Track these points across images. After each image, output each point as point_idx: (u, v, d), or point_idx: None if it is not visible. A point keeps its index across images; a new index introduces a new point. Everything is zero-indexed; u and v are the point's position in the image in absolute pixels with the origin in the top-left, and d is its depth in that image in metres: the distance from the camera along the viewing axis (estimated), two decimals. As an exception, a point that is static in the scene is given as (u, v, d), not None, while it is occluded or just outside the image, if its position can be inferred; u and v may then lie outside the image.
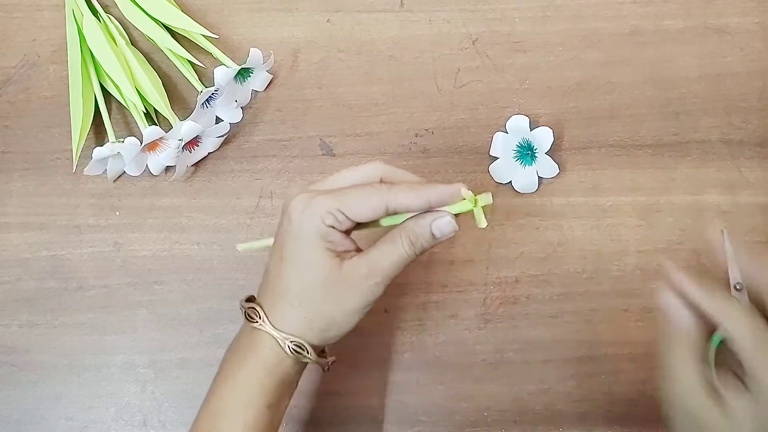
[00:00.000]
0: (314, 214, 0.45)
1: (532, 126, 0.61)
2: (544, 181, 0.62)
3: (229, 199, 0.63)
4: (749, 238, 0.61)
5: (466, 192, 0.45)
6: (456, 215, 0.46)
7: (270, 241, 0.50)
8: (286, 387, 0.48)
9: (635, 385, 0.59)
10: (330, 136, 0.64)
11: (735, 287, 0.60)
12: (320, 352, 0.49)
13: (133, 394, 0.60)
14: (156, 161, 0.61)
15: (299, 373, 0.49)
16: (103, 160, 0.60)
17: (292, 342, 0.46)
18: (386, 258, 0.46)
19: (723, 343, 0.49)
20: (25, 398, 0.60)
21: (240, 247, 0.53)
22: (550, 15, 0.66)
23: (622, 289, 0.61)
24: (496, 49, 0.65)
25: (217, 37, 0.62)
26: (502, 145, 0.62)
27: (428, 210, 0.46)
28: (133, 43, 0.65)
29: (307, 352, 0.47)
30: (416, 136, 0.64)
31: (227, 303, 0.61)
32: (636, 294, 0.61)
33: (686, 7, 0.66)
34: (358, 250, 0.47)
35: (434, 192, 0.45)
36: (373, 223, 0.47)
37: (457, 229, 0.46)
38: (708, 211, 0.62)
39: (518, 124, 0.61)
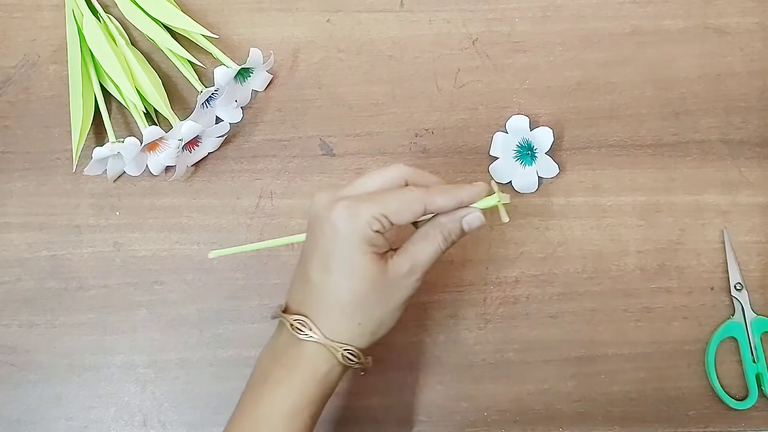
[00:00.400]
0: (362, 221, 0.46)
1: (532, 126, 0.61)
2: (544, 181, 0.62)
3: (229, 199, 0.63)
4: (749, 238, 0.61)
5: (494, 185, 0.50)
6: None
7: (243, 248, 0.55)
8: (329, 395, 0.49)
9: (635, 385, 0.60)
10: (330, 136, 0.64)
11: (735, 287, 0.61)
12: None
13: (133, 394, 0.60)
14: (156, 161, 0.61)
15: (340, 379, 0.49)
16: (103, 160, 0.60)
17: (345, 350, 0.47)
18: (423, 253, 0.48)
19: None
20: (25, 398, 0.60)
21: (212, 254, 0.54)
22: (550, 15, 0.66)
23: (622, 289, 0.61)
24: (496, 49, 0.65)
25: (217, 37, 0.62)
26: (502, 145, 0.62)
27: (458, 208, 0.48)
28: (133, 43, 0.65)
29: (360, 358, 0.48)
30: (416, 136, 0.64)
31: (227, 303, 0.61)
32: (636, 294, 0.61)
33: (686, 7, 0.66)
34: (392, 247, 0.49)
35: (465, 192, 0.48)
36: None
37: (484, 222, 0.49)
38: (708, 211, 0.62)
39: (518, 124, 0.61)
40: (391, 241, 0.48)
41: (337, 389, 0.59)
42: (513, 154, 0.62)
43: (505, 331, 0.60)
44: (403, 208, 0.46)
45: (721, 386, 0.59)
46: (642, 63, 0.65)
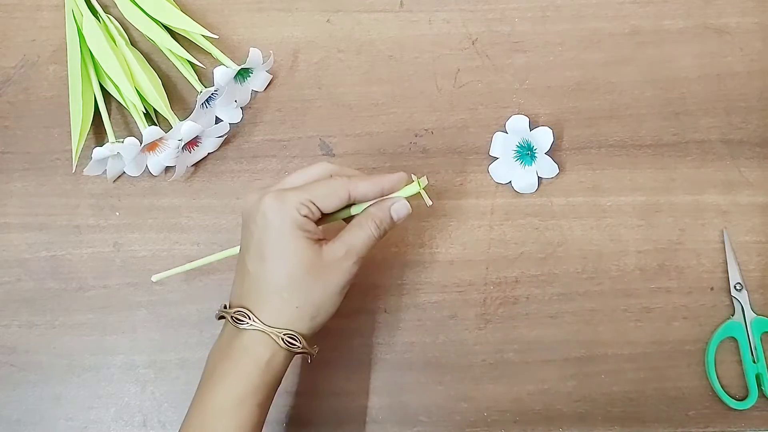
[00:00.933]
0: (290, 207, 0.48)
1: (532, 126, 0.61)
2: (544, 181, 0.62)
3: (229, 199, 0.63)
4: (749, 238, 0.61)
5: (413, 177, 0.52)
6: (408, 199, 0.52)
7: (184, 267, 0.57)
8: (275, 383, 0.50)
9: (635, 385, 0.59)
10: (330, 136, 0.64)
11: (735, 287, 0.61)
12: (311, 342, 0.51)
13: (133, 394, 0.60)
14: (156, 161, 0.61)
15: (286, 366, 0.50)
16: (103, 160, 0.60)
17: (285, 335, 0.48)
18: (358, 239, 0.50)
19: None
20: (24, 398, 0.60)
21: (155, 278, 0.58)
22: (549, 15, 0.66)
23: (622, 289, 0.61)
24: (495, 49, 0.65)
25: (217, 37, 0.62)
26: (502, 146, 0.62)
27: (382, 197, 0.52)
28: (133, 43, 0.65)
29: (300, 343, 0.49)
30: (416, 136, 0.64)
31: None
32: (636, 294, 0.61)
33: (686, 7, 0.66)
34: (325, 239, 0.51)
35: (386, 180, 0.51)
36: (331, 216, 0.52)
37: (410, 210, 0.52)
38: (708, 211, 0.62)
39: (518, 124, 0.61)
40: (322, 235, 0.50)
41: (337, 390, 0.59)
42: (513, 154, 0.62)
43: (505, 332, 0.60)
44: (328, 193, 0.50)
45: (721, 386, 0.59)
46: (642, 63, 0.65)
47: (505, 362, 0.60)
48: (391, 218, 0.52)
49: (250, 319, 0.48)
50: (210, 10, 0.66)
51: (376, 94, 0.65)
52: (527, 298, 0.61)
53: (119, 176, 0.63)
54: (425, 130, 0.64)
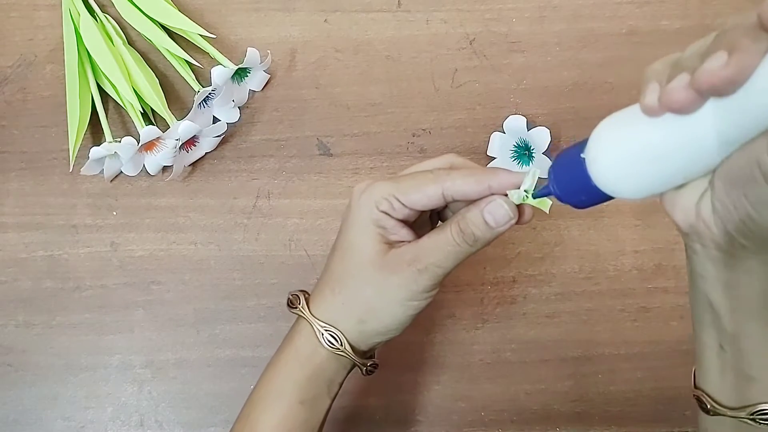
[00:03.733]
0: (369, 199, 0.44)
1: (530, 126, 0.61)
2: (541, 181, 0.62)
3: (227, 199, 0.63)
4: (746, 238, 0.61)
5: (531, 178, 0.41)
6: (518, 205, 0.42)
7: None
8: (322, 384, 0.46)
9: (632, 385, 0.60)
10: (327, 136, 0.64)
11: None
12: (364, 355, 0.47)
13: (130, 394, 0.60)
14: (153, 161, 0.60)
15: (339, 372, 0.46)
16: (100, 159, 0.59)
17: (326, 330, 0.44)
18: (434, 245, 0.43)
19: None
20: (21, 399, 0.60)
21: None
22: (547, 15, 0.66)
23: (619, 289, 0.61)
24: (493, 49, 0.65)
25: (215, 36, 0.62)
26: (500, 146, 0.62)
27: None
28: (130, 42, 0.65)
29: (341, 344, 0.44)
30: (414, 136, 0.64)
31: (224, 303, 0.61)
32: (633, 294, 0.61)
33: (683, 7, 0.66)
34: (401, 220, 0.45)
35: (496, 178, 0.41)
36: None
37: (513, 216, 0.41)
38: (705, 211, 0.62)
39: (515, 124, 0.61)
40: (407, 236, 0.45)
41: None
42: (510, 154, 0.62)
43: (502, 331, 0.60)
44: (414, 188, 0.43)
45: (718, 386, 0.59)
46: (639, 63, 0.64)
47: (503, 362, 0.60)
48: (485, 223, 0.42)
49: (299, 303, 0.46)
50: (207, 9, 0.66)
51: (374, 94, 0.65)
52: (524, 297, 0.61)
53: (116, 176, 0.63)
54: (423, 129, 0.64)
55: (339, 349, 0.45)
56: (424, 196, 0.43)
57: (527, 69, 0.65)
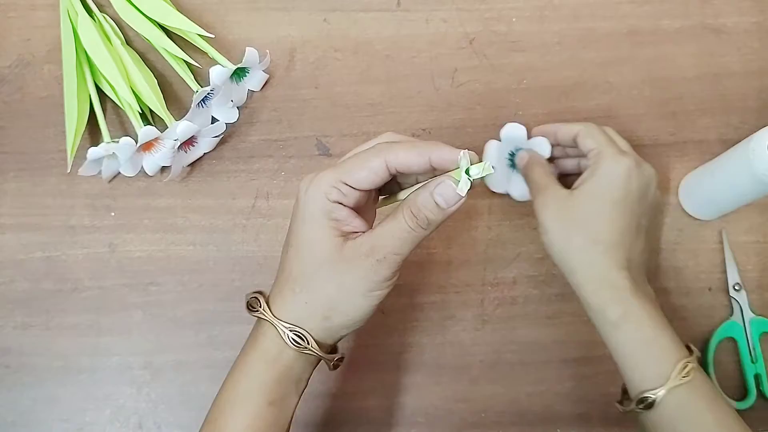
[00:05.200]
0: (318, 191, 0.43)
1: (529, 135, 0.60)
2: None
3: (225, 199, 0.63)
4: (747, 238, 0.61)
5: (468, 155, 0.41)
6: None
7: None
8: (290, 383, 0.45)
9: (633, 386, 0.59)
10: (326, 136, 0.64)
11: (733, 287, 0.61)
12: (330, 349, 0.47)
13: (129, 395, 0.60)
14: (151, 161, 0.60)
15: (306, 370, 0.46)
16: (98, 160, 0.59)
17: (291, 331, 0.44)
18: (388, 233, 0.43)
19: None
20: (20, 400, 0.59)
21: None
22: (547, 14, 0.66)
23: (620, 289, 0.61)
24: (493, 49, 0.65)
25: (213, 36, 0.62)
26: (497, 154, 0.60)
27: (433, 174, 0.43)
28: (129, 42, 0.65)
29: (308, 343, 0.44)
30: (413, 136, 0.63)
31: (223, 304, 0.61)
32: (634, 294, 0.60)
33: (684, 6, 0.66)
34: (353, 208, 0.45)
35: (436, 150, 0.42)
36: (390, 198, 0.46)
37: (463, 195, 0.41)
38: (706, 211, 0.62)
39: (513, 133, 0.60)
40: (360, 225, 0.44)
41: (334, 391, 0.59)
42: (507, 162, 0.61)
43: (502, 332, 0.60)
44: (359, 167, 0.42)
45: (720, 386, 0.58)
46: (639, 63, 0.65)
47: (503, 363, 0.60)
48: (436, 204, 0.42)
49: (260, 306, 0.45)
50: (206, 9, 0.66)
51: (373, 94, 0.64)
52: (525, 298, 0.61)
53: (115, 176, 0.63)
54: (423, 129, 0.64)
55: (306, 347, 0.44)
56: (370, 171, 0.42)
57: (527, 69, 0.65)
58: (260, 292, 0.46)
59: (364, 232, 0.44)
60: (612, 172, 0.52)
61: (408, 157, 0.42)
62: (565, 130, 0.57)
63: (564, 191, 0.54)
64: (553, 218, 0.52)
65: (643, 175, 0.53)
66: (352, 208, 0.44)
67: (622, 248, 0.51)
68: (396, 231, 0.43)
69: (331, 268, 0.43)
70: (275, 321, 0.44)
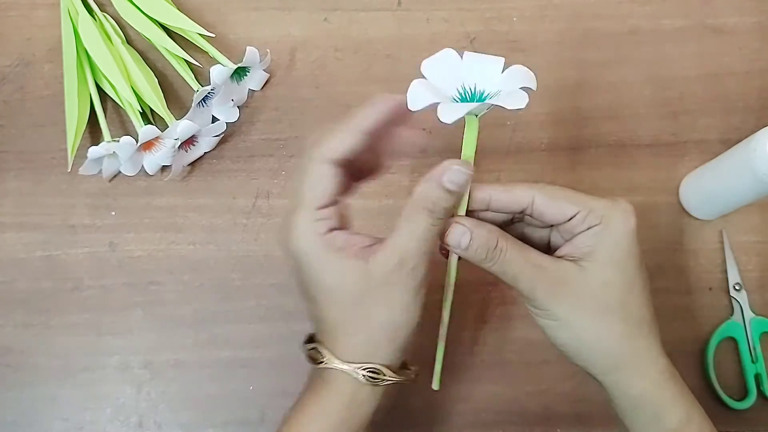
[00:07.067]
0: (307, 238, 0.41)
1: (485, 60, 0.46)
2: (542, 180, 0.62)
3: (226, 198, 0.63)
4: (748, 238, 0.61)
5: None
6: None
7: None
8: (366, 416, 0.43)
9: (633, 386, 0.59)
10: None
11: (734, 287, 0.60)
12: (401, 365, 0.45)
13: (129, 395, 0.60)
14: (152, 161, 0.60)
15: (380, 397, 0.44)
16: (99, 159, 0.59)
17: (364, 369, 0.42)
18: (411, 238, 0.41)
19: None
20: (20, 399, 0.59)
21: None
22: (548, 14, 0.66)
23: (621, 289, 0.60)
24: (494, 48, 0.65)
25: (214, 35, 0.62)
26: (431, 95, 0.44)
27: (398, 119, 0.43)
28: (129, 41, 0.65)
29: (382, 375, 0.42)
30: (414, 136, 0.63)
31: (223, 304, 0.61)
32: (634, 294, 0.60)
33: (684, 6, 0.66)
34: (344, 225, 0.43)
35: (398, 99, 0.43)
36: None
37: (471, 172, 0.41)
38: (706, 211, 0.62)
39: (442, 65, 0.45)
40: (366, 240, 0.43)
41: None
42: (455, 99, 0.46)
43: (503, 332, 0.60)
44: (317, 181, 0.41)
45: (720, 386, 0.58)
46: (640, 62, 0.65)
47: (504, 363, 0.60)
48: (447, 191, 0.41)
49: (324, 357, 0.42)
50: (207, 8, 0.66)
51: (374, 93, 0.64)
52: (525, 298, 0.61)
53: (115, 175, 0.63)
54: (423, 129, 0.64)
55: (382, 379, 0.42)
56: (340, 143, 0.42)
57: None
58: (317, 342, 0.44)
59: (372, 241, 0.43)
60: (626, 228, 0.43)
61: (372, 111, 0.44)
62: (506, 200, 0.44)
63: (571, 267, 0.43)
64: (575, 308, 0.42)
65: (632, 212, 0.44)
66: (345, 229, 0.43)
67: (655, 321, 0.44)
68: (417, 233, 0.41)
69: (371, 296, 0.41)
70: (345, 366, 0.42)
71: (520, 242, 0.44)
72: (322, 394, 0.43)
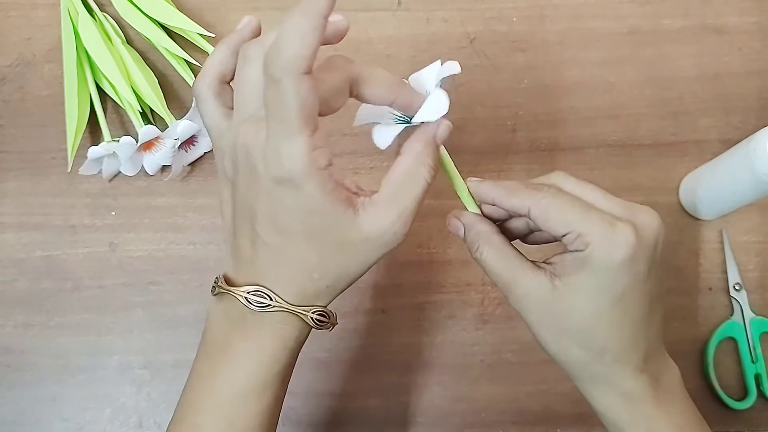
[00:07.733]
0: (315, 174, 0.38)
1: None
2: (542, 180, 0.62)
3: (226, 198, 0.63)
4: (748, 238, 0.61)
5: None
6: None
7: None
8: (293, 359, 0.42)
9: (633, 386, 0.59)
10: (327, 136, 0.63)
11: (734, 287, 0.60)
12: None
13: (129, 395, 0.60)
14: (152, 161, 0.60)
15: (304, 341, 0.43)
16: (99, 159, 0.59)
17: (315, 312, 0.40)
18: (412, 196, 0.40)
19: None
20: (20, 399, 0.59)
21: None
22: (548, 14, 0.66)
23: (621, 289, 0.60)
24: (494, 49, 0.65)
25: (214, 35, 0.62)
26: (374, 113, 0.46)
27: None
28: (129, 41, 0.65)
29: (330, 318, 0.41)
30: (414, 136, 0.63)
31: (224, 303, 0.61)
32: (634, 294, 0.60)
33: (684, 6, 0.66)
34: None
35: (405, 91, 0.44)
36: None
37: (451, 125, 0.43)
38: (706, 211, 0.62)
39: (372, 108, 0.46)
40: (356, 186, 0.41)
41: (334, 390, 0.59)
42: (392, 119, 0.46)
43: (503, 332, 0.60)
44: (330, 90, 0.41)
45: (720, 386, 0.58)
46: (640, 62, 0.65)
47: (504, 363, 0.60)
48: (437, 148, 0.43)
49: (272, 300, 0.40)
50: (206, 8, 0.66)
51: (374, 94, 0.64)
52: (525, 298, 0.61)
53: (115, 176, 0.63)
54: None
55: (327, 322, 0.41)
56: (331, 87, 0.41)
57: (528, 68, 0.65)
58: (258, 286, 0.40)
59: (356, 189, 0.40)
60: (608, 262, 0.39)
61: (378, 86, 0.44)
62: (512, 203, 0.42)
63: (544, 284, 0.41)
64: (538, 322, 0.43)
65: (648, 242, 0.40)
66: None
67: (636, 347, 0.42)
68: (417, 191, 0.40)
69: (354, 248, 0.39)
70: (297, 309, 0.40)
71: (506, 246, 0.43)
72: (261, 339, 0.41)
